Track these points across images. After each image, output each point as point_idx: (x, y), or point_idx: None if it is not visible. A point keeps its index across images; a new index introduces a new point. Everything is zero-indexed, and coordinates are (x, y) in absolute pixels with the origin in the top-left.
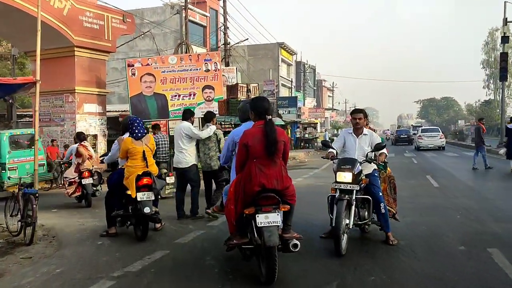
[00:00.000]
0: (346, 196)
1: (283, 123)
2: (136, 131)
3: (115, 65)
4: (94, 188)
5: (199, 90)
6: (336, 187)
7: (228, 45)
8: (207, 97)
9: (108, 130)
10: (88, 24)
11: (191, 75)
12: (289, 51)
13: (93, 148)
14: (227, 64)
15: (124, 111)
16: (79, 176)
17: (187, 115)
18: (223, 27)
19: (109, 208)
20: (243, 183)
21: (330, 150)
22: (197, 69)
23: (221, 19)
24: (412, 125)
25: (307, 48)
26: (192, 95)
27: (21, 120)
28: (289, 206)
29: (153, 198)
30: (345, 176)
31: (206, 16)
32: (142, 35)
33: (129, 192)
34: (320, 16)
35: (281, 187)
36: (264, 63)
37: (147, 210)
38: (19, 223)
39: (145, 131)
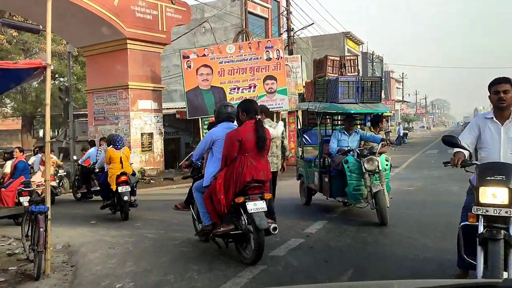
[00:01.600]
0: (502, 231)
1: (388, 111)
2: (117, 144)
3: (177, 62)
4: (57, 190)
5: (260, 81)
6: (479, 212)
7: (292, 31)
8: (269, 88)
9: (165, 128)
10: (141, 15)
11: (251, 65)
12: (355, 41)
13: (149, 147)
14: (290, 53)
15: (182, 108)
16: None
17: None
18: (285, 12)
19: (103, 198)
20: (235, 175)
21: (457, 150)
22: (257, 58)
23: (283, 3)
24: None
25: (374, 38)
26: (252, 87)
27: (79, 119)
28: (271, 195)
29: (129, 189)
30: (497, 194)
31: (268, 8)
32: (202, 28)
33: (111, 187)
34: (388, 3)
35: (266, 178)
36: (329, 54)
37: (125, 198)
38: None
39: (123, 144)
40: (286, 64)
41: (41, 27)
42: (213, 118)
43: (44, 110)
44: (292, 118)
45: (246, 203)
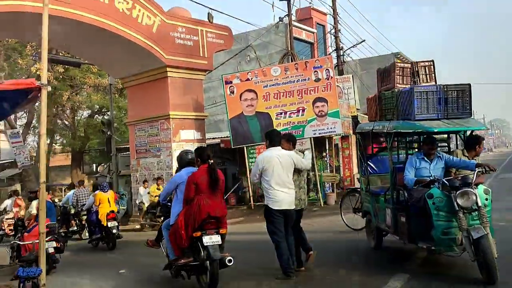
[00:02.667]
0: None
1: (484, 127)
2: (104, 188)
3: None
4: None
5: (309, 104)
6: None
7: (341, 50)
8: (319, 112)
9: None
10: (181, 41)
11: (298, 87)
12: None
13: None
14: (340, 73)
15: (226, 137)
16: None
17: (278, 138)
18: (333, 30)
19: (91, 233)
20: (193, 213)
21: None
22: (305, 79)
23: (329, 21)
24: None
25: (425, 56)
26: (300, 111)
27: (124, 153)
28: (226, 230)
29: (117, 224)
30: None
31: (313, 33)
32: (247, 57)
33: (102, 223)
34: (436, 18)
35: (221, 214)
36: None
37: (114, 231)
38: None
39: (108, 188)
40: (336, 85)
41: (84, 60)
42: (260, 146)
43: (92, 144)
44: (346, 144)
45: (203, 237)
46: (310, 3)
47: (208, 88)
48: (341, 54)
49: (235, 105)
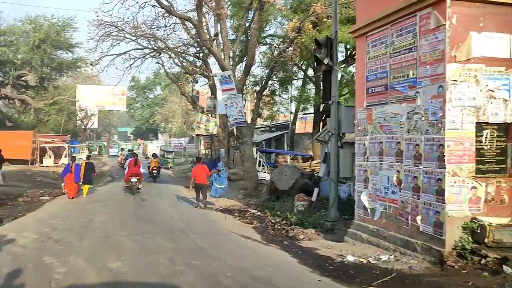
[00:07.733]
0: None
1: None
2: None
3: None
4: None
5: None
6: None
7: None
8: None
9: None
10: None
11: None
12: None
13: (499, 160)
14: None
15: None
16: None
17: None
18: None
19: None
20: (129, 171)
21: None
22: None
23: None
24: None
25: None
26: None
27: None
28: (140, 176)
29: (136, 179)
30: None
31: None
32: None
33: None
34: None
35: (136, 172)
36: None
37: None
38: None
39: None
40: None
41: None
42: None
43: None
44: None
45: (131, 178)
46: None
47: None
48: None
49: None
